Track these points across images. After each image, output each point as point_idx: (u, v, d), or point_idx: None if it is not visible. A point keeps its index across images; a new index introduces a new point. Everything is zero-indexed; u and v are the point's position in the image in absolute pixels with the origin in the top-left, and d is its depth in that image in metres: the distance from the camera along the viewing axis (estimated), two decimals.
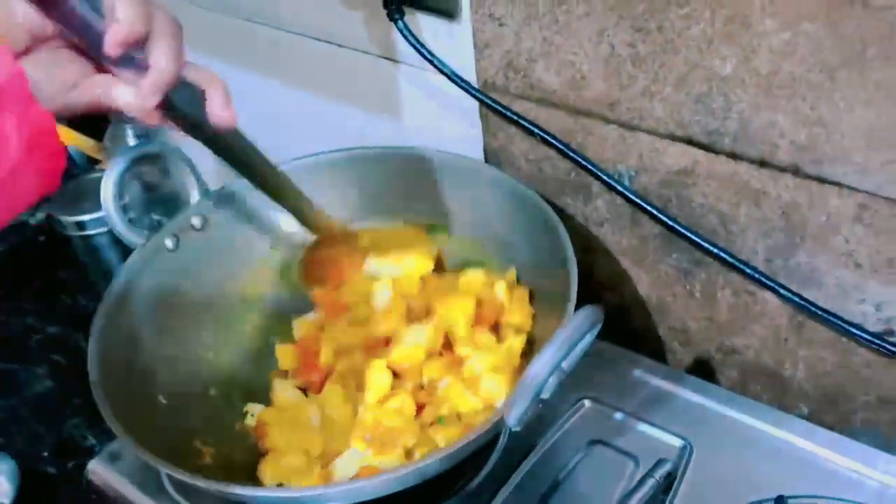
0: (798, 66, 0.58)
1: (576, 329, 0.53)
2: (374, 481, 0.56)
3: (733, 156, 0.65)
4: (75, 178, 1.01)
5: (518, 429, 0.55)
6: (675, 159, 0.68)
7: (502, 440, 0.69)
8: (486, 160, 0.81)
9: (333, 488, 0.56)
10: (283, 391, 0.76)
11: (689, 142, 0.67)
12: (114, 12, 0.48)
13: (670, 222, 0.70)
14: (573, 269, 0.64)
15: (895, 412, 0.68)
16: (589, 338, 0.55)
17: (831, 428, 0.68)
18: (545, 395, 0.55)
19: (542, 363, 0.52)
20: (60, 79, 0.50)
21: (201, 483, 0.57)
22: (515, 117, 0.74)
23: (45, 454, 0.89)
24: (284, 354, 0.78)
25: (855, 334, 0.65)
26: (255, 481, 0.68)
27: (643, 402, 0.71)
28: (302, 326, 0.80)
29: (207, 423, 0.71)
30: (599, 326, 0.55)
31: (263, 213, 0.81)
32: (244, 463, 0.70)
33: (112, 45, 0.49)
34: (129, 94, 0.51)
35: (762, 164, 0.64)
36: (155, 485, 0.70)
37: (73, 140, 1.16)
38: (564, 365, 0.54)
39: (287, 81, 0.95)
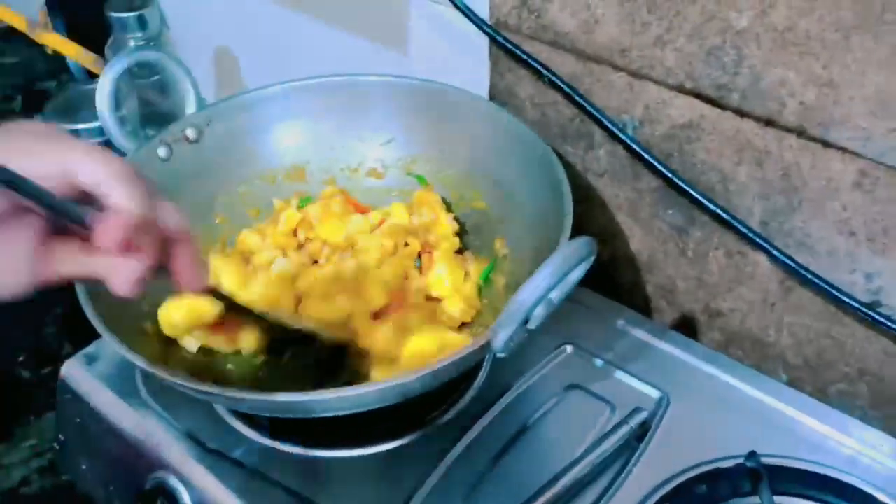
0: (814, 24, 0.58)
1: (567, 258, 0.52)
2: (355, 391, 0.55)
3: (740, 112, 0.65)
4: (72, 88, 1.00)
5: (504, 355, 0.55)
6: (681, 112, 0.68)
7: (483, 371, 0.69)
8: (491, 100, 0.80)
9: (317, 396, 0.55)
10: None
11: (697, 95, 0.66)
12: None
13: (670, 175, 0.70)
14: (568, 202, 0.64)
15: (874, 385, 0.68)
16: (580, 270, 0.55)
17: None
18: (532, 326, 0.55)
19: (532, 288, 0.51)
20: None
21: (182, 381, 0.56)
22: (525, 57, 0.73)
23: (21, 359, 0.88)
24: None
25: (843, 302, 0.65)
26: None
27: (624, 353, 0.71)
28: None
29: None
30: (591, 260, 0.55)
31: (259, 134, 0.80)
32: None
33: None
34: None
35: (768, 122, 0.64)
36: (130, 388, 0.69)
37: (74, 53, 1.14)
38: (553, 295, 0.54)
39: (296, 6, 0.94)
